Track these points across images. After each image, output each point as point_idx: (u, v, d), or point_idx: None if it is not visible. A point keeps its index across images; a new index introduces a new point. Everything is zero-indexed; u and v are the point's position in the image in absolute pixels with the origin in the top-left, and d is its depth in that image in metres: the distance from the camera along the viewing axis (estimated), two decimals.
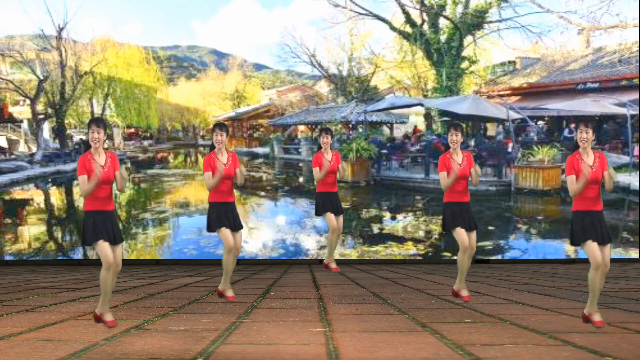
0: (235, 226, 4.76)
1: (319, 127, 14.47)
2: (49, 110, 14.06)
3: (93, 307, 4.30)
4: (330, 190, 5.63)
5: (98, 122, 3.85)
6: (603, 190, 3.79)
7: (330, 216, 5.60)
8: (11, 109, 14.41)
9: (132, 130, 15.37)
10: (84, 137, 3.73)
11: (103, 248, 3.78)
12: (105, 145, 3.77)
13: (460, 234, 4.76)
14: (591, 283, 3.74)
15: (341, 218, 5.74)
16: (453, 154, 4.75)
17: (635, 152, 12.29)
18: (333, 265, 5.86)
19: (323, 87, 15.44)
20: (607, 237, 3.74)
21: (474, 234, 4.86)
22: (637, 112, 12.26)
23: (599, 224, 3.73)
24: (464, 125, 13.81)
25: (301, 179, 14.72)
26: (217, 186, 4.63)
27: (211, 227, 4.74)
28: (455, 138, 4.72)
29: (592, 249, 3.70)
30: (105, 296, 3.89)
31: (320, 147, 5.54)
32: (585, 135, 3.74)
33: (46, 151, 13.94)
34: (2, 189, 13.28)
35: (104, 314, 3.91)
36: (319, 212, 5.65)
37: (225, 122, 15.95)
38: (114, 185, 3.92)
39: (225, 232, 4.70)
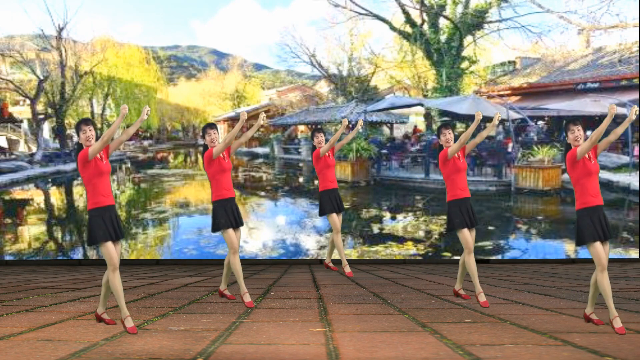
0: (238, 224, 4.74)
1: (317, 126, 14.47)
2: (49, 110, 14.06)
3: (93, 307, 4.30)
4: (333, 187, 5.66)
5: (87, 121, 3.87)
6: (603, 191, 3.77)
7: (334, 216, 5.57)
8: (11, 109, 14.40)
9: None
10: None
11: (109, 250, 3.68)
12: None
13: (465, 234, 4.65)
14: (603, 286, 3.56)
15: (341, 216, 5.72)
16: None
17: (635, 152, 12.29)
18: (347, 270, 5.57)
19: (323, 87, 15.42)
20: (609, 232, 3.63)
21: (474, 232, 4.80)
22: None
23: (604, 220, 3.64)
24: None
25: (301, 179, 14.70)
26: (220, 180, 4.65)
27: (219, 226, 4.64)
28: (448, 137, 4.68)
29: (598, 250, 3.57)
30: (120, 299, 3.71)
31: (314, 148, 5.67)
32: (578, 134, 3.73)
33: (46, 151, 13.93)
34: (2, 189, 13.28)
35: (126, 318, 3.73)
36: (323, 212, 5.61)
37: (225, 122, 15.97)
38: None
39: (231, 232, 4.66)
